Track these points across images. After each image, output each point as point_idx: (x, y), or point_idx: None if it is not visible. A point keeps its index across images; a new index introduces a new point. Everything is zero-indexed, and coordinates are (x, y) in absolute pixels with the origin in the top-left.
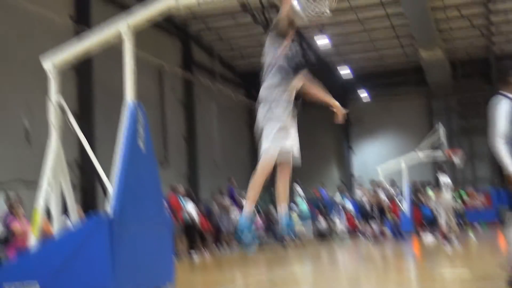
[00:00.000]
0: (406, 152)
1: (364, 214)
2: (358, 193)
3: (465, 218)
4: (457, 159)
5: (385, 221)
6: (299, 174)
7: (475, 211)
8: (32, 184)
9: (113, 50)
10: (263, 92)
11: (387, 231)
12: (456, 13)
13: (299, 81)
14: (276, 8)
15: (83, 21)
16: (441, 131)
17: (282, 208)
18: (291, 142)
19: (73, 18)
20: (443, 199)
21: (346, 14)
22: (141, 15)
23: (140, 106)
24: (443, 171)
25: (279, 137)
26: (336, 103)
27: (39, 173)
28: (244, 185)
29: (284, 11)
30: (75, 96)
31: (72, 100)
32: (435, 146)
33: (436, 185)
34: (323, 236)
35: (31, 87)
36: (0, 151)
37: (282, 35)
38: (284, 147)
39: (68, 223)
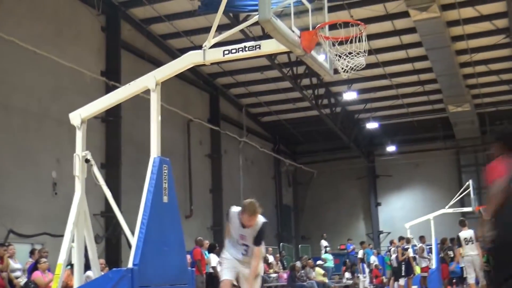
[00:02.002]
0: (434, 207)
1: (393, 269)
2: (392, 249)
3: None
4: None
5: (413, 277)
6: (326, 229)
7: None
8: (58, 236)
9: (142, 103)
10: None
11: (415, 287)
12: (484, 68)
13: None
14: (304, 64)
15: (113, 76)
16: (471, 187)
17: None
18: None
19: (104, 74)
20: (468, 255)
21: (373, 69)
22: (168, 70)
23: (166, 161)
24: (465, 226)
25: (225, 272)
26: (254, 269)
27: (65, 226)
28: (270, 240)
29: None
30: (103, 148)
31: (100, 152)
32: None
33: (458, 242)
34: None
35: (62, 141)
36: (28, 205)
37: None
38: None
39: (91, 276)
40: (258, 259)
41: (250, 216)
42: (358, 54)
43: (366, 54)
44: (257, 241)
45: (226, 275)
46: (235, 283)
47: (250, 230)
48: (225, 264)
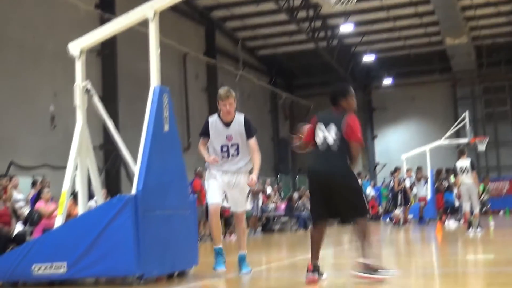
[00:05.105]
0: (429, 139)
1: (390, 200)
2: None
3: (487, 205)
4: (482, 146)
5: (409, 207)
6: None
7: (500, 198)
8: (58, 168)
9: (137, 37)
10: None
11: (411, 217)
12: (482, 0)
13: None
14: None
15: (108, 9)
16: (467, 119)
17: (240, 251)
18: (230, 202)
19: (98, 6)
20: (464, 184)
21: (371, 1)
22: (166, 0)
23: (165, 89)
24: (464, 156)
25: (213, 195)
26: (253, 177)
27: (65, 159)
28: (267, 172)
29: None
30: (99, 83)
31: (97, 86)
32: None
33: (454, 171)
34: None
35: (58, 75)
36: (27, 137)
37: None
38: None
39: (93, 205)
40: (256, 152)
41: (227, 99)
42: None
43: None
44: (249, 133)
45: (213, 198)
46: (225, 204)
47: (236, 126)
48: (211, 185)
